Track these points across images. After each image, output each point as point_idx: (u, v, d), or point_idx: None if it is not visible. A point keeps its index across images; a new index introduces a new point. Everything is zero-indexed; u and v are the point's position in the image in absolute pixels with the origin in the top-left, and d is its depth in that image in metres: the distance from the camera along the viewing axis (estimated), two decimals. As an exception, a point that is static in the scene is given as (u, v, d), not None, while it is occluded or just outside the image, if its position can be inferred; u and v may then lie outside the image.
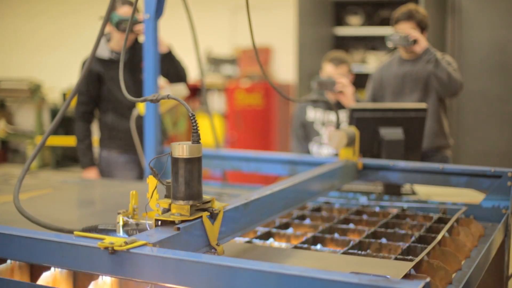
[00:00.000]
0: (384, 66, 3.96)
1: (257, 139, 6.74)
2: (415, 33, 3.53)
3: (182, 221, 1.38)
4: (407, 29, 3.65)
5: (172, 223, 1.38)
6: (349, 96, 3.54)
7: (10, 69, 8.75)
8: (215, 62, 7.22)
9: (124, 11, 3.41)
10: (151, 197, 1.40)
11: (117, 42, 3.54)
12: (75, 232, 1.26)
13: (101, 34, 1.90)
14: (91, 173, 3.57)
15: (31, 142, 8.29)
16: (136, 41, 3.57)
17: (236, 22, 7.19)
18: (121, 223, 1.45)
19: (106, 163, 3.62)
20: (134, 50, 3.54)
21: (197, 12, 7.47)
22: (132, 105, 3.38)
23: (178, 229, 1.34)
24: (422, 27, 3.71)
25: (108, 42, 3.59)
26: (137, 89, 3.32)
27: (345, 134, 2.25)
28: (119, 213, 1.46)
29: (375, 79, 3.94)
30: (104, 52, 3.55)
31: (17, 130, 8.73)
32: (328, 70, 3.79)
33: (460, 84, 3.56)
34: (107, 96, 3.57)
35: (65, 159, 8.46)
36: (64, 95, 8.09)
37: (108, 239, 1.17)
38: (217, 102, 7.09)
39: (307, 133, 3.91)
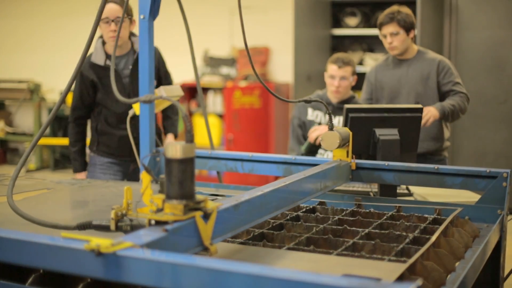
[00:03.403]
0: (379, 68, 3.97)
1: (255, 139, 6.74)
2: None
3: (176, 221, 1.37)
4: (392, 31, 3.69)
5: (165, 222, 1.37)
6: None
7: (9, 70, 8.74)
8: (214, 62, 7.21)
9: (109, 7, 3.32)
10: (145, 193, 1.40)
11: (105, 39, 3.43)
12: (62, 233, 1.26)
13: (93, 33, 1.90)
14: (81, 177, 3.54)
15: (30, 142, 8.29)
16: (132, 49, 3.51)
17: (235, 22, 7.18)
18: (115, 218, 1.45)
19: (93, 168, 3.60)
20: (132, 58, 3.48)
21: (196, 12, 7.48)
22: (124, 115, 3.27)
23: (166, 230, 1.33)
24: (406, 27, 3.73)
25: (104, 45, 3.52)
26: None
27: (338, 135, 2.24)
28: (113, 209, 1.45)
29: (371, 81, 3.95)
30: (100, 58, 3.46)
31: (16, 131, 8.73)
32: (332, 71, 3.79)
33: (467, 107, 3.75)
34: (100, 103, 3.51)
35: (64, 160, 8.46)
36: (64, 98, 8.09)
37: (94, 241, 1.16)
38: (215, 102, 7.09)
39: (305, 133, 3.90)
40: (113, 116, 3.49)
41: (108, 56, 3.47)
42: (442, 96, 3.79)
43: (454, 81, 3.75)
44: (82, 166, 3.59)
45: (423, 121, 3.52)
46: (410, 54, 3.83)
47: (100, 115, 3.53)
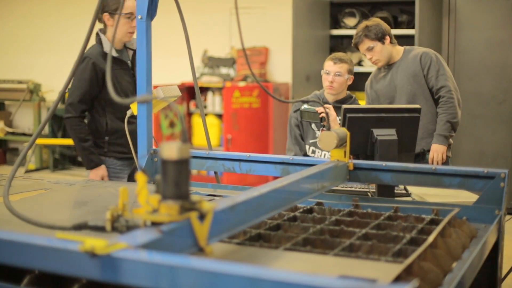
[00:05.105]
0: (373, 77, 4.07)
1: (254, 139, 6.74)
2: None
3: (171, 221, 1.37)
4: (367, 46, 3.80)
5: (161, 223, 1.37)
6: (332, 121, 3.52)
7: (9, 70, 8.74)
8: (213, 62, 7.21)
9: (133, 4, 3.31)
10: (140, 193, 1.40)
11: (123, 34, 3.42)
12: (57, 234, 1.25)
13: (90, 31, 1.89)
14: (101, 171, 3.44)
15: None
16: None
17: (234, 22, 7.17)
18: (110, 219, 1.44)
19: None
20: (126, 52, 3.51)
21: (196, 12, 7.47)
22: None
23: (162, 231, 1.33)
24: (378, 38, 3.81)
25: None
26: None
27: (335, 135, 2.24)
28: (109, 209, 1.45)
29: (368, 91, 4.06)
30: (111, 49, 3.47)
31: (16, 131, 8.73)
32: (327, 66, 3.81)
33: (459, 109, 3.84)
34: (106, 98, 3.41)
35: (64, 160, 8.45)
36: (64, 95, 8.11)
37: (89, 242, 1.16)
38: (214, 102, 7.09)
39: (303, 133, 3.90)
40: (122, 110, 3.34)
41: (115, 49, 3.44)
42: (430, 90, 3.84)
43: (437, 74, 3.79)
44: (99, 158, 3.44)
45: (437, 163, 3.63)
46: (397, 57, 3.91)
47: (105, 113, 3.44)
